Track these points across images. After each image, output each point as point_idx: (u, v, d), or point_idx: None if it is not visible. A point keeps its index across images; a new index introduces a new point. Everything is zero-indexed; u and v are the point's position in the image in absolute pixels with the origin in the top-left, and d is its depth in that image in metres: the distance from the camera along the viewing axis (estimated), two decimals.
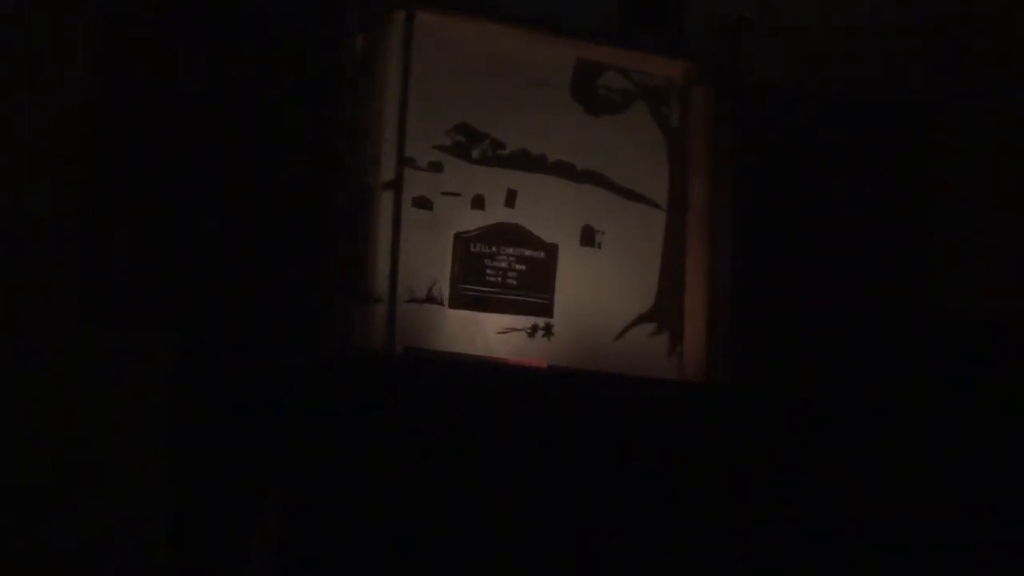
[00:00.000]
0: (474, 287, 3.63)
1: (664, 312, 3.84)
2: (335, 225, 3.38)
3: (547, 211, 3.73)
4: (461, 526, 3.40)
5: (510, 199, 3.68)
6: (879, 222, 4.00)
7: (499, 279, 3.66)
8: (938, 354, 4.01)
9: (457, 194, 3.63)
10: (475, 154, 3.65)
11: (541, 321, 3.68)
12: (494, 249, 3.66)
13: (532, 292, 3.68)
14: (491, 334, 3.62)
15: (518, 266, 3.68)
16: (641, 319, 3.82)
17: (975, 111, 4.30)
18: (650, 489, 3.61)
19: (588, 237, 3.78)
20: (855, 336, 3.93)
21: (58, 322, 3.42)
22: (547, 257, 3.72)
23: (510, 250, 3.68)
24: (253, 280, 3.29)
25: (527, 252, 3.70)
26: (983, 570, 3.97)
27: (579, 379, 3.62)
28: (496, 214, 3.68)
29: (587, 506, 3.53)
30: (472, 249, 3.63)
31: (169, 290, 3.23)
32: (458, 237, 3.62)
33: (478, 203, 3.65)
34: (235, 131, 3.31)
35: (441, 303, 3.59)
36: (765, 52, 3.96)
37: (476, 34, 3.67)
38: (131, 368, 3.69)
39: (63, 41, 3.70)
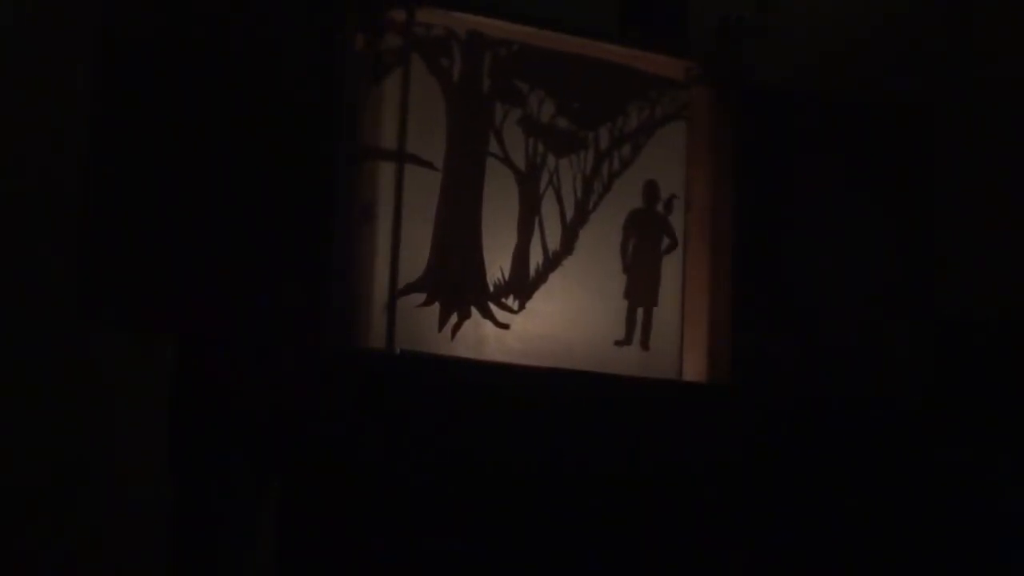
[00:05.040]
0: None
1: (436, 282, 3.56)
2: (335, 228, 3.39)
3: None
4: (459, 526, 3.40)
5: None
6: (879, 222, 4.01)
7: None
8: (938, 354, 4.01)
9: None
10: None
11: None
12: None
13: None
14: None
15: None
16: (409, 289, 3.54)
17: (975, 111, 4.30)
18: (651, 488, 3.61)
19: None
20: (855, 336, 3.93)
21: (58, 322, 3.43)
22: None
23: None
24: (252, 282, 3.29)
25: None
26: (983, 570, 3.98)
27: (578, 379, 3.62)
28: None
29: (587, 505, 3.53)
30: None
31: (169, 292, 3.23)
32: None
33: None
34: (235, 134, 3.31)
35: None
36: (765, 52, 3.96)
37: None
38: (131, 368, 3.69)
39: (66, 46, 3.71)
